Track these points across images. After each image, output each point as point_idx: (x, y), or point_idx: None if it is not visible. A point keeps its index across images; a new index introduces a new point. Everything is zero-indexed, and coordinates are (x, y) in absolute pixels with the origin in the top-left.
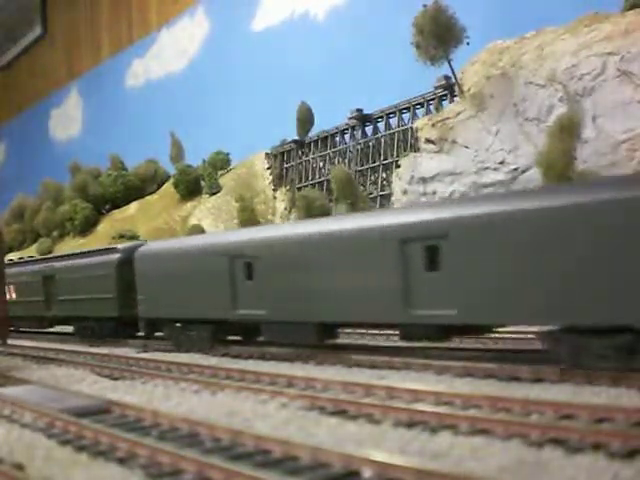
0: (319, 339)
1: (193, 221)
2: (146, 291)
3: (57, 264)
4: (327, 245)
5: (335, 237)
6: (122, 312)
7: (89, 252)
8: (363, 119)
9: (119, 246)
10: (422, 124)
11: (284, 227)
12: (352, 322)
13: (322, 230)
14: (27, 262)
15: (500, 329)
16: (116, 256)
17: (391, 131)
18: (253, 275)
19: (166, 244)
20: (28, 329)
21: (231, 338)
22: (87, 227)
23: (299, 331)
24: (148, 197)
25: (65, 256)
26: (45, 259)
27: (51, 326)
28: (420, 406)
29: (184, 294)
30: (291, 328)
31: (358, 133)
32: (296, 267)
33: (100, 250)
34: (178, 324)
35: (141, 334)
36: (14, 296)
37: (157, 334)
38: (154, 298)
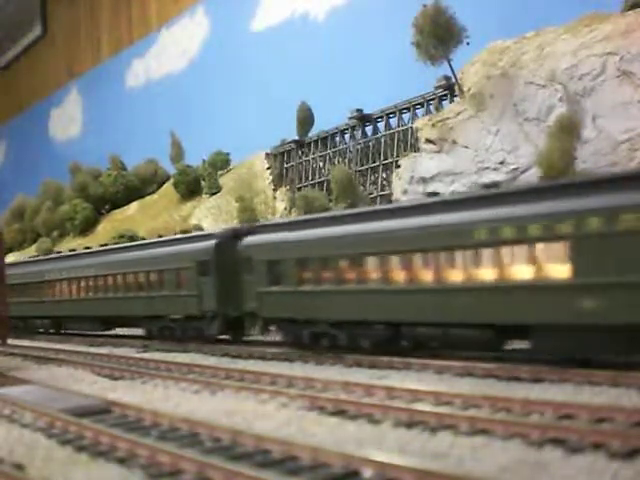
0: None
1: (193, 221)
2: None
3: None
4: None
5: None
6: None
7: None
8: (363, 119)
9: None
10: (422, 124)
11: None
12: None
13: None
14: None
15: None
16: None
17: (391, 131)
18: None
19: None
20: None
21: None
22: (87, 227)
23: None
24: (148, 197)
25: None
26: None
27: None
28: (420, 406)
29: None
30: None
31: (358, 133)
32: None
33: None
34: None
35: None
36: (406, 280)
37: None
38: None
